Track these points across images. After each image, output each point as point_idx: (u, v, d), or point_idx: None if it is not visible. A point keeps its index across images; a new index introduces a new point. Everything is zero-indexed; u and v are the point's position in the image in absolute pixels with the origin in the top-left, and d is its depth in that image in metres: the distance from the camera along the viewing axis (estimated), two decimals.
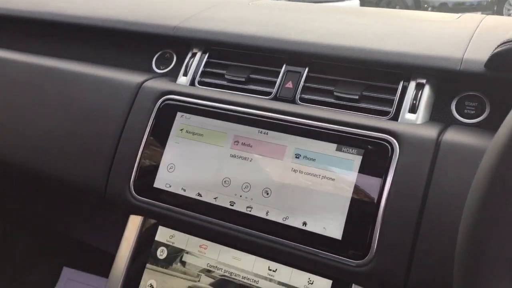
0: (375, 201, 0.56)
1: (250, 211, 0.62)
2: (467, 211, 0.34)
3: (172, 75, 0.78)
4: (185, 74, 0.75)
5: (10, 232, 1.39)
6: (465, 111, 0.61)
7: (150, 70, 0.81)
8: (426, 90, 0.62)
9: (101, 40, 0.86)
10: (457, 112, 0.62)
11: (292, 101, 0.68)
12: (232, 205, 0.63)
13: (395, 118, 0.62)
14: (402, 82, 0.64)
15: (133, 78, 0.74)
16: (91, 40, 0.86)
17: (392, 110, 0.62)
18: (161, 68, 0.80)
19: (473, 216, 0.33)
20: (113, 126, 0.71)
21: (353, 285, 0.58)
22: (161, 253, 0.68)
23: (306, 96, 0.68)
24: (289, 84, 0.69)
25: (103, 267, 0.74)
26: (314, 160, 0.61)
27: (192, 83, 0.74)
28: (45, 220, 1.28)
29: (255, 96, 0.69)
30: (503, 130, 0.34)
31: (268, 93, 0.69)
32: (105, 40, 0.85)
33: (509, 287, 0.31)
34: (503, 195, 0.32)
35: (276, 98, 0.69)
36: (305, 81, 0.68)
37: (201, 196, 0.65)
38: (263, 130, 0.64)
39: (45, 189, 1.00)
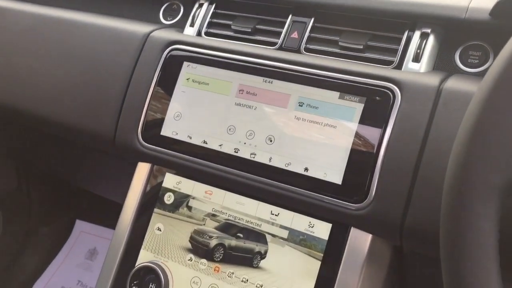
0: (375, 147, 0.57)
1: (253, 157, 0.64)
2: (458, 137, 0.35)
3: (179, 26, 0.78)
4: (191, 25, 0.76)
5: (25, 185, 1.43)
6: (469, 60, 0.61)
7: (157, 21, 0.81)
8: (431, 39, 0.62)
9: None
10: (460, 62, 0.62)
11: (297, 51, 0.68)
12: (236, 152, 0.65)
13: (399, 67, 0.63)
14: (407, 32, 0.64)
15: (140, 28, 0.75)
16: None
17: (396, 59, 0.63)
18: (168, 19, 0.81)
19: (463, 140, 0.34)
20: (121, 75, 0.73)
21: (352, 228, 0.60)
22: (168, 199, 0.70)
23: (311, 46, 0.68)
24: (295, 34, 0.69)
25: (114, 220, 0.77)
26: (317, 108, 0.62)
27: (198, 34, 0.75)
28: (59, 172, 1.31)
29: (261, 46, 0.70)
30: (499, 60, 0.35)
31: (274, 43, 0.70)
32: None
33: (494, 213, 0.32)
34: (494, 120, 0.33)
35: (281, 48, 0.69)
36: (311, 31, 0.69)
37: (206, 143, 0.67)
38: (268, 79, 0.65)
39: (57, 140, 1.03)
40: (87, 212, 1.55)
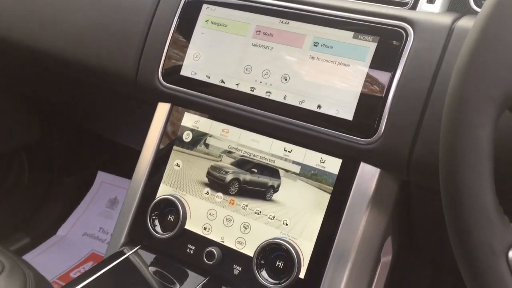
0: (386, 84, 0.59)
1: (269, 95, 0.66)
2: (461, 52, 0.37)
3: None
4: None
5: (48, 136, 1.48)
6: (483, 1, 0.62)
7: None
8: None
9: None
10: (474, 3, 0.63)
11: None
12: (252, 91, 0.67)
13: (413, 8, 0.64)
14: None
15: None
16: None
17: (411, 1, 0.64)
18: None
19: (464, 55, 0.36)
20: (143, 16, 0.75)
21: (361, 163, 0.62)
22: (187, 137, 0.74)
23: None
24: None
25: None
26: (331, 47, 0.64)
27: None
28: (82, 121, 1.35)
29: None
30: None
31: None
32: None
33: (490, 123, 0.34)
34: (493, 36, 0.34)
35: None
36: None
37: (224, 82, 0.69)
38: (284, 20, 0.67)
39: (79, 88, 1.07)
40: (109, 163, 1.60)
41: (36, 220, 1.51)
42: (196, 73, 0.71)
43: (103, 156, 1.60)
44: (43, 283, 0.80)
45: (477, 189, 0.34)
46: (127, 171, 0.77)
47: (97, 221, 1.53)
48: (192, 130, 0.74)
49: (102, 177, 1.60)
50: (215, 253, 0.67)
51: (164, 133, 0.76)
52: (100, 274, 0.67)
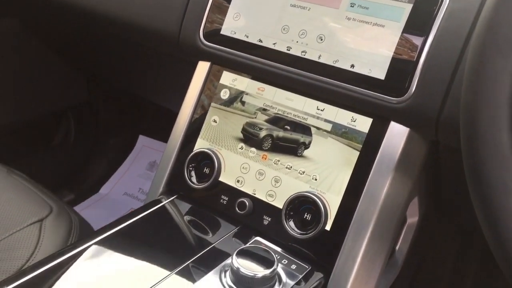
0: (420, 45, 0.60)
1: (304, 55, 0.69)
2: (487, 3, 0.38)
3: None
4: None
5: (95, 98, 1.55)
6: None
7: None
8: None
9: None
10: None
11: None
12: (289, 50, 0.70)
13: None
14: None
15: None
16: None
17: None
18: None
19: (490, 4, 0.37)
20: None
21: (391, 122, 0.64)
22: (224, 94, 0.77)
23: None
24: None
25: None
26: (367, 8, 0.65)
27: None
28: (127, 84, 1.41)
29: None
30: None
31: None
32: None
33: (510, 75, 0.36)
34: None
35: None
36: None
37: (261, 42, 0.72)
38: None
39: (127, 48, 1.11)
40: (150, 127, 1.66)
41: (80, 178, 1.60)
42: (235, 33, 0.74)
43: (145, 119, 1.66)
44: (86, 227, 0.86)
45: (494, 128, 0.36)
46: (167, 136, 0.81)
47: (136, 182, 1.60)
48: (229, 88, 0.77)
49: (143, 141, 1.67)
50: (247, 203, 0.71)
51: (203, 91, 0.79)
52: (137, 219, 0.72)
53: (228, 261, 0.62)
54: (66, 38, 1.28)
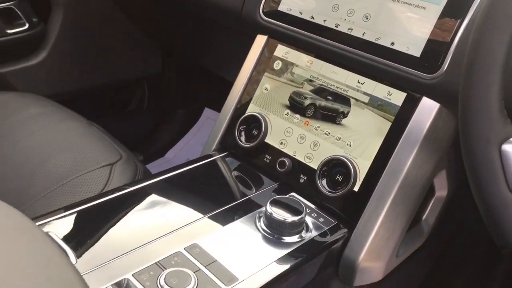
0: (456, 26, 0.65)
1: (350, 32, 0.75)
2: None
3: None
4: None
5: (167, 70, 1.69)
6: None
7: None
8: None
9: None
10: None
11: None
12: (337, 27, 0.77)
13: None
14: None
15: None
16: None
17: None
18: None
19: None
20: None
21: (423, 98, 0.69)
22: (277, 65, 0.85)
23: None
24: None
25: None
26: None
27: None
28: (196, 57, 1.53)
29: None
30: None
31: None
32: None
33: (507, 39, 0.41)
34: None
35: None
36: None
37: (313, 18, 0.79)
38: None
39: (197, 23, 1.22)
40: (215, 101, 1.78)
41: (150, 142, 1.75)
42: (291, 9, 0.82)
43: (211, 92, 1.78)
44: (149, 174, 0.98)
45: (484, 87, 0.41)
46: None
47: (199, 150, 1.72)
48: (282, 60, 0.85)
49: (207, 113, 1.79)
50: (287, 163, 0.79)
51: (259, 61, 0.88)
52: (190, 168, 0.82)
53: (264, 208, 0.70)
54: (147, 12, 1.41)
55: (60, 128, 1.02)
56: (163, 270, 0.59)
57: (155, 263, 0.60)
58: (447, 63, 0.65)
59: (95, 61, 1.49)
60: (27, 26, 1.31)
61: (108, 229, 0.66)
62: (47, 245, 0.44)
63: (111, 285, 0.57)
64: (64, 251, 0.59)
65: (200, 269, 0.60)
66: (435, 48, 0.67)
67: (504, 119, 0.42)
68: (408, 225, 0.73)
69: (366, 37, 0.74)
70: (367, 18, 0.74)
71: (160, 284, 0.57)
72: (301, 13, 0.81)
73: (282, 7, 0.83)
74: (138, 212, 0.70)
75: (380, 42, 0.72)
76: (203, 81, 1.73)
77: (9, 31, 1.28)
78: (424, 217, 0.81)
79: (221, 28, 1.10)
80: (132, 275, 0.58)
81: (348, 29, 0.75)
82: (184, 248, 0.63)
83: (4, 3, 1.26)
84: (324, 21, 0.78)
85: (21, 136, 0.99)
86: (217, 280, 0.59)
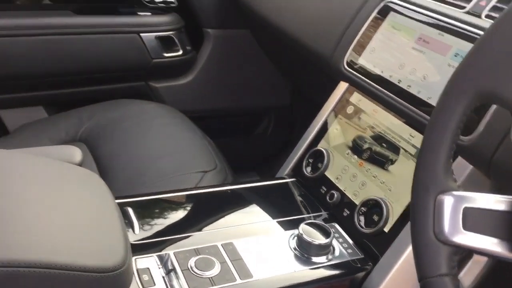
0: None
1: (408, 88, 0.83)
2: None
3: None
4: None
5: (294, 103, 1.85)
6: None
7: None
8: None
9: None
10: None
11: (479, 16, 0.81)
12: (399, 83, 0.85)
13: None
14: None
15: None
16: None
17: None
18: None
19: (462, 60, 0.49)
20: (346, 15, 0.99)
21: (458, 157, 0.74)
22: (349, 110, 0.96)
23: (492, 14, 0.80)
24: (483, 2, 0.82)
25: None
26: None
27: None
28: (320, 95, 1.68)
29: (450, 7, 0.85)
30: None
31: (463, 7, 0.84)
32: None
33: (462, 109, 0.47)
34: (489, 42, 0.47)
35: (467, 12, 0.83)
36: (497, 1, 0.80)
37: (382, 73, 0.89)
38: (441, 32, 0.82)
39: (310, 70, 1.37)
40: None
41: (265, 167, 1.93)
42: (369, 64, 0.92)
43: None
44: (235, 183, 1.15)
45: (435, 145, 0.49)
46: None
47: None
48: (354, 106, 0.95)
49: None
50: (336, 196, 0.89)
51: (337, 104, 0.99)
52: (260, 185, 0.97)
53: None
54: (278, 51, 1.61)
55: (178, 137, 1.25)
56: (197, 255, 0.74)
57: (194, 248, 0.76)
58: (481, 128, 0.70)
59: (231, 87, 1.74)
60: (181, 52, 1.60)
61: (171, 215, 0.84)
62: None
63: (156, 254, 0.74)
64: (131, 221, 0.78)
65: (225, 261, 0.74)
66: (474, 113, 0.72)
67: (447, 175, 0.49)
68: None
69: (420, 95, 0.81)
70: (424, 78, 0.81)
71: (190, 264, 0.72)
72: (375, 68, 0.91)
73: (361, 61, 0.94)
74: (199, 208, 0.87)
75: (430, 101, 0.79)
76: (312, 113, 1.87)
77: (165, 54, 1.58)
78: None
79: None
80: (173, 252, 0.75)
81: (408, 86, 0.83)
82: (221, 244, 0.77)
83: (166, 32, 1.56)
84: (390, 76, 0.87)
85: (148, 137, 1.24)
86: (235, 273, 0.72)
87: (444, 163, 0.49)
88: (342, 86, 1.00)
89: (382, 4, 0.94)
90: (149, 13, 1.54)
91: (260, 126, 1.95)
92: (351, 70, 0.96)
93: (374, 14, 0.95)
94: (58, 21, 1.38)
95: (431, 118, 0.51)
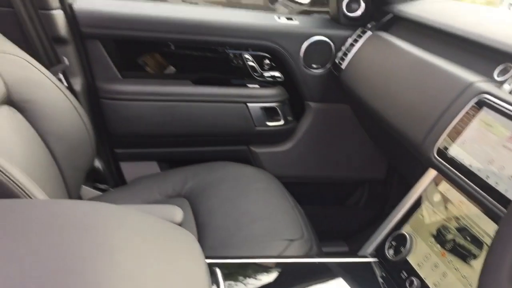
0: None
1: (496, 186, 0.84)
2: None
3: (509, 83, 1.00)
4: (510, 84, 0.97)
5: (389, 177, 1.86)
6: None
7: (490, 75, 1.05)
8: None
9: (462, 45, 1.16)
10: None
11: None
12: (487, 179, 0.86)
13: None
14: None
15: (468, 77, 1.03)
16: (455, 43, 1.18)
17: None
18: (499, 76, 1.04)
19: None
20: (440, 105, 1.03)
21: None
22: (436, 198, 0.98)
23: None
24: None
25: None
26: None
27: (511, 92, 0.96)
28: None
29: None
30: None
31: None
32: (465, 46, 1.15)
33: None
34: None
35: None
36: None
37: (471, 166, 0.90)
38: None
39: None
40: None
41: (356, 236, 1.93)
42: (458, 157, 0.95)
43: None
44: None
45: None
46: None
47: None
48: (442, 195, 0.97)
49: None
50: (415, 283, 0.90)
51: (424, 190, 1.02)
52: (342, 261, 1.01)
53: None
54: (375, 126, 1.66)
55: (271, 202, 1.34)
56: None
57: None
58: None
59: (327, 157, 1.81)
60: (282, 122, 1.72)
61: (253, 282, 0.91)
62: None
63: None
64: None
65: None
66: None
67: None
68: None
69: (507, 194, 0.81)
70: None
71: None
72: (464, 160, 0.93)
73: (451, 152, 0.96)
74: (281, 278, 0.94)
75: None
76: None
77: (268, 124, 1.70)
78: None
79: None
80: None
81: (495, 183, 0.84)
82: None
83: (270, 103, 1.69)
84: (479, 170, 0.89)
85: (244, 200, 1.34)
86: None
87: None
88: (432, 172, 1.02)
89: (476, 99, 0.97)
90: (257, 86, 1.68)
91: (352, 197, 1.98)
92: (440, 160, 0.98)
93: (468, 107, 0.98)
94: (179, 90, 1.57)
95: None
